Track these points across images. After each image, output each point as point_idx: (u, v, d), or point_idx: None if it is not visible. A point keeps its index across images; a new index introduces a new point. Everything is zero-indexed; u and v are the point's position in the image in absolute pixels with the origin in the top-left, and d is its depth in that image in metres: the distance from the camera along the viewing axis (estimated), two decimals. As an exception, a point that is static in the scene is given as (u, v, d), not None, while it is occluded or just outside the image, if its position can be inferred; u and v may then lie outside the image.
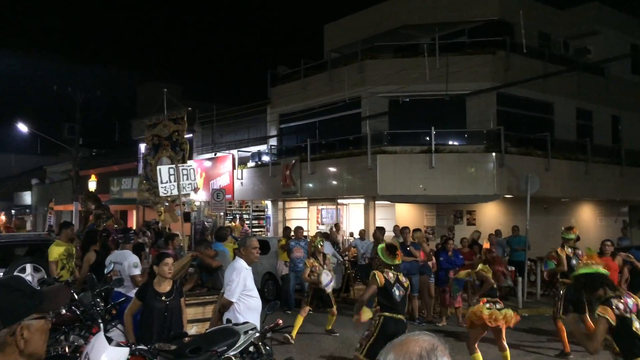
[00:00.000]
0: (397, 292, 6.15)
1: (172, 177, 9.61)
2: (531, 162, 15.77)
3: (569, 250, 8.48)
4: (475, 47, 17.08)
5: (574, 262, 8.12)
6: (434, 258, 11.15)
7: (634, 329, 4.28)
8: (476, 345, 7.15)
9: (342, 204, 18.35)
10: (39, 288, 1.95)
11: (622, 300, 4.39)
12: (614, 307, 4.32)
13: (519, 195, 14.20)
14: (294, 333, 9.14)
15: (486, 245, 12.29)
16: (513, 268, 12.99)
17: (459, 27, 18.74)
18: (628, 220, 20.46)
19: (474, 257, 11.73)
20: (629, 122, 20.86)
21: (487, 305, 7.05)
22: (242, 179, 21.04)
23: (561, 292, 8.59)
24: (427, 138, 15.67)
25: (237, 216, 20.57)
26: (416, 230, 11.42)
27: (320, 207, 19.23)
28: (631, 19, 22.03)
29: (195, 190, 11.33)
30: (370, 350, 5.97)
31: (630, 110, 20.96)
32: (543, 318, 11.39)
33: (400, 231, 11.44)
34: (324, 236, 11.94)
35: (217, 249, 8.48)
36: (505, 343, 7.31)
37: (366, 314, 6.51)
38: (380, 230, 11.90)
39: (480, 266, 7.53)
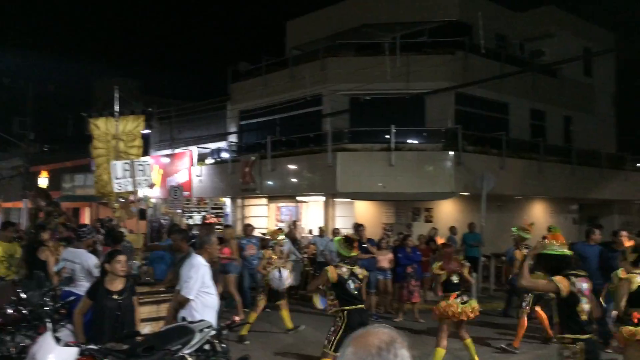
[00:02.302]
0: (352, 285, 6.21)
1: (127, 173, 9.39)
2: (487, 161, 16.09)
3: (525, 250, 8.67)
4: (435, 47, 17.34)
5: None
6: (391, 255, 11.28)
7: (578, 309, 4.49)
8: (445, 339, 7.29)
9: (302, 202, 18.33)
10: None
11: (579, 280, 4.59)
12: (571, 281, 4.52)
13: (475, 193, 14.48)
14: (245, 330, 9.05)
15: (440, 241, 12.49)
16: (468, 264, 13.22)
17: (419, 27, 18.98)
18: (577, 217, 21.16)
19: (431, 254, 11.95)
20: (580, 123, 21.58)
21: (458, 299, 7.22)
22: (200, 175, 20.76)
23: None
24: (387, 136, 15.79)
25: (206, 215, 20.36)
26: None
27: (279, 205, 19.16)
28: (584, 23, 22.77)
29: (151, 186, 11.12)
30: (339, 344, 5.99)
31: (582, 111, 21.68)
32: (496, 312, 11.66)
33: (354, 228, 11.52)
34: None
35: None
36: (465, 332, 7.49)
37: (318, 303, 6.56)
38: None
39: (435, 265, 7.66)
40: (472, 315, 7.29)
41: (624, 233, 8.69)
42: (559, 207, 20.47)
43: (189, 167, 21.30)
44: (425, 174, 15.70)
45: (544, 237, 9.13)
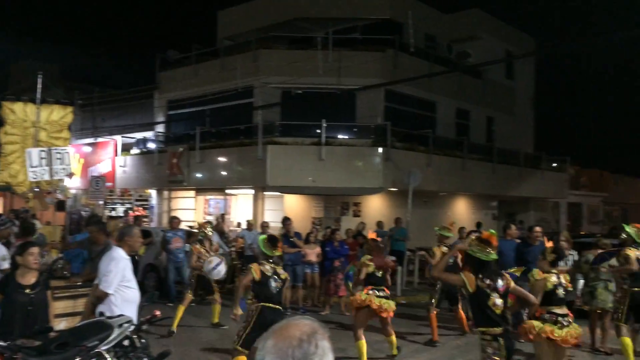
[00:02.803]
0: (273, 284, 6.20)
1: (43, 161, 8.88)
2: (414, 157, 16.51)
3: (444, 248, 8.92)
4: (366, 44, 17.59)
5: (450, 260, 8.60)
6: (319, 248, 11.34)
7: (490, 303, 4.71)
8: (361, 332, 7.34)
9: (231, 195, 18.10)
10: None
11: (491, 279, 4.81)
12: (479, 277, 4.74)
13: (402, 189, 14.83)
14: (174, 324, 8.85)
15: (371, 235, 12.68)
16: (394, 258, 13.53)
17: (351, 23, 19.18)
18: (497, 213, 22.17)
19: (358, 248, 12.11)
20: (502, 123, 22.61)
21: (370, 292, 7.30)
22: (125, 166, 20.04)
23: (437, 286, 9.02)
24: (318, 131, 15.86)
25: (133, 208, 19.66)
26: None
27: (208, 197, 18.83)
28: (507, 27, 23.82)
29: (70, 175, 10.59)
30: (247, 340, 5.95)
31: (503, 112, 22.71)
32: (420, 305, 11.98)
33: (282, 222, 11.52)
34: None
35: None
36: (390, 329, 7.63)
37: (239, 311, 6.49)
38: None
39: (363, 257, 7.77)
40: (383, 312, 7.33)
41: (537, 229, 9.16)
42: (480, 204, 21.35)
43: (112, 157, 20.52)
44: (355, 169, 15.90)
45: (472, 232, 9.48)
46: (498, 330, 4.77)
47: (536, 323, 5.70)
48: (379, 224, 14.99)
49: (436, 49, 20.47)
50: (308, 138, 16.09)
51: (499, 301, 4.80)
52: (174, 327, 8.85)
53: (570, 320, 5.73)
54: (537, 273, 5.84)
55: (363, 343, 7.27)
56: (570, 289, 6.08)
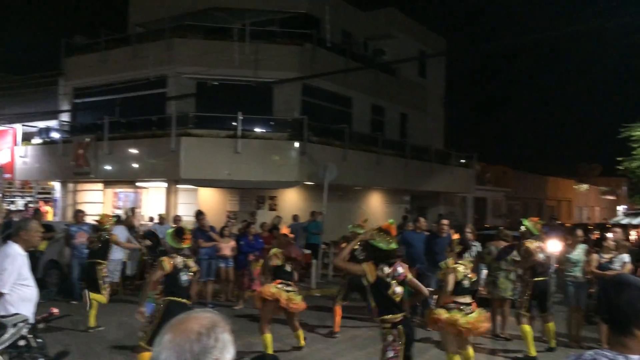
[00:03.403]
0: (183, 277, 6.05)
1: None
2: (330, 152, 16.68)
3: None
4: (283, 38, 17.51)
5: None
6: (234, 242, 11.20)
7: (389, 292, 4.82)
8: (266, 325, 7.32)
9: (142, 188, 17.45)
10: None
11: (391, 267, 4.90)
12: (379, 266, 4.84)
13: (318, 183, 14.94)
14: (93, 320, 8.55)
15: (285, 230, 12.68)
16: (309, 251, 13.64)
17: (269, 16, 19.02)
18: (409, 207, 22.92)
19: (273, 242, 12.06)
20: (415, 120, 23.37)
21: (279, 286, 7.28)
22: (25, 156, 18.80)
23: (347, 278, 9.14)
24: (234, 123, 15.64)
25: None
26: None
27: (117, 190, 18.05)
28: (421, 27, 24.63)
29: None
30: (154, 337, 5.74)
31: (416, 110, 23.49)
32: (334, 298, 12.11)
33: (195, 216, 11.28)
34: (118, 221, 11.27)
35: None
36: (297, 323, 7.66)
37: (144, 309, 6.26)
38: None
39: (273, 250, 7.74)
40: (293, 306, 7.37)
41: (444, 221, 9.60)
42: (393, 198, 21.97)
43: (11, 146, 19.21)
44: (271, 163, 15.83)
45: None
46: (398, 317, 4.87)
47: (443, 312, 5.94)
48: (295, 218, 15.05)
49: (352, 45, 20.78)
50: (224, 130, 15.82)
51: (398, 289, 4.90)
52: (93, 324, 8.55)
53: (472, 309, 6.02)
54: (450, 262, 6.08)
55: (268, 336, 7.28)
56: (473, 279, 6.38)
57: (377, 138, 19.38)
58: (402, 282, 4.97)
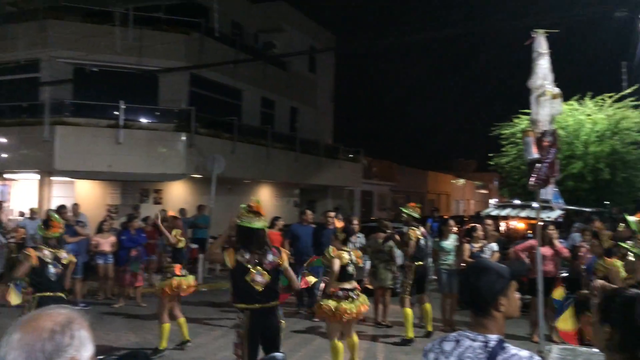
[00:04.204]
0: (52, 270, 5.65)
1: None
2: (219, 144, 16.39)
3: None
4: (170, 25, 16.88)
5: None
6: (114, 237, 10.67)
7: (248, 279, 4.63)
8: (166, 316, 7.30)
9: (11, 179, 16.06)
10: None
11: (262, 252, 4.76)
12: (239, 251, 4.68)
13: (206, 175, 14.63)
14: None
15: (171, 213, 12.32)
16: (196, 246, 13.32)
17: (154, 1, 18.19)
18: (298, 200, 23.18)
19: (158, 236, 11.63)
20: (304, 115, 23.65)
21: (184, 271, 7.49)
22: None
23: None
24: (116, 112, 14.85)
25: None
26: None
27: (-18, 183, 16.44)
28: (311, 22, 24.90)
29: None
30: None
31: (306, 104, 23.76)
32: (221, 292, 11.98)
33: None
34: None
35: None
36: (179, 312, 7.50)
37: (14, 299, 5.76)
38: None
39: (174, 231, 7.68)
40: (187, 291, 7.52)
41: (330, 213, 9.83)
42: (283, 191, 22.09)
43: None
44: (156, 155, 15.25)
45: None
46: (243, 305, 4.66)
47: (331, 302, 6.03)
48: (182, 211, 14.58)
49: (243, 37, 20.55)
50: (104, 120, 14.98)
51: (259, 278, 4.64)
52: None
53: (358, 293, 6.21)
54: (332, 250, 6.19)
55: (167, 325, 7.27)
56: (361, 265, 6.62)
57: (266, 131, 19.34)
58: (273, 271, 4.73)
